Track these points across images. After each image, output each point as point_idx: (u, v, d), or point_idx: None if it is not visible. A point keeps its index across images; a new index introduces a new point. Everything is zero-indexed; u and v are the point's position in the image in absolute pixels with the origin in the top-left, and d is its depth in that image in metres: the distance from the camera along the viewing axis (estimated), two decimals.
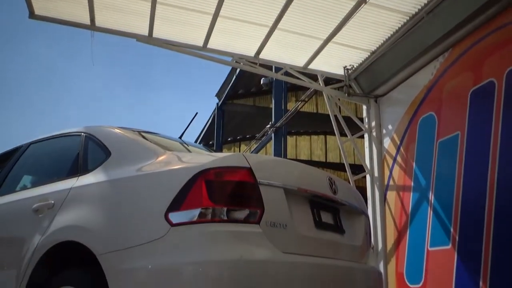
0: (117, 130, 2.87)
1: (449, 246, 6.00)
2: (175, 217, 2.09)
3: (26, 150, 3.40)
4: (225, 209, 2.08)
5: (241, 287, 1.95)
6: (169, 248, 2.06)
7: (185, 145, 3.09)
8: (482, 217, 5.51)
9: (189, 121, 3.31)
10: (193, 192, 2.11)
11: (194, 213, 2.07)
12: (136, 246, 2.13)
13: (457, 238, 5.90)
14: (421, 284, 6.44)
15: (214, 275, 1.96)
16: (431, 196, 6.48)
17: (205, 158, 2.33)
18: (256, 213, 2.15)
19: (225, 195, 2.12)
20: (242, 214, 2.12)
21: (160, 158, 2.45)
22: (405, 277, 6.85)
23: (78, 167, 2.81)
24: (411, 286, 6.67)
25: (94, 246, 2.26)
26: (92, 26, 5.54)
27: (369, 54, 7.13)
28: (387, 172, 7.57)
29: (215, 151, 3.41)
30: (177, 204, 2.12)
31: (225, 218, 2.08)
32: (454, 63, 6.29)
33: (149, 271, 2.07)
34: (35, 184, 3.23)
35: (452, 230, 6.00)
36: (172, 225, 2.08)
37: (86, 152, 2.86)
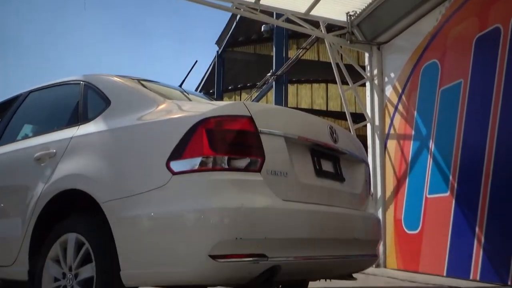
0: (116, 79, 2.84)
1: (447, 194, 6.09)
2: (176, 165, 2.11)
3: (25, 99, 3.38)
4: (226, 157, 2.09)
5: (242, 235, 1.98)
6: (171, 196, 2.08)
7: (185, 94, 3.06)
8: (481, 166, 5.55)
9: (189, 69, 3.25)
10: (194, 141, 2.11)
11: (195, 161, 2.08)
12: (138, 194, 2.16)
13: (455, 185, 5.97)
14: (418, 230, 6.58)
15: (215, 223, 1.99)
16: (432, 145, 6.51)
17: (205, 107, 2.31)
18: (257, 162, 2.15)
19: (226, 143, 2.12)
20: (243, 162, 2.12)
21: (161, 107, 2.43)
22: (403, 223, 7.00)
23: (78, 116, 2.80)
24: (408, 232, 6.83)
25: (97, 194, 2.29)
26: None
27: None
28: (388, 121, 7.57)
29: (216, 99, 3.38)
30: (178, 152, 2.12)
31: (226, 166, 2.09)
32: (460, 8, 6.14)
33: (152, 218, 2.10)
34: (35, 133, 3.23)
35: (451, 178, 6.06)
36: (174, 173, 2.10)
37: (85, 101, 2.83)
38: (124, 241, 2.14)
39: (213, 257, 1.94)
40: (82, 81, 2.95)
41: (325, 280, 2.84)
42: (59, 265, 2.40)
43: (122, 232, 2.15)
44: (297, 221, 2.21)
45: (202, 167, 2.07)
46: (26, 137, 3.23)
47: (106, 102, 2.67)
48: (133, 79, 2.87)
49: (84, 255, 2.29)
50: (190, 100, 2.92)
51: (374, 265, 6.12)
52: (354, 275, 2.86)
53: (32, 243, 2.57)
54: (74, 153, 2.56)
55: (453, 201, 5.97)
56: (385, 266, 7.21)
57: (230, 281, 2.10)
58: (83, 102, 2.84)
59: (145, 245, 2.09)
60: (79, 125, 2.71)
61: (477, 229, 5.54)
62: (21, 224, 2.65)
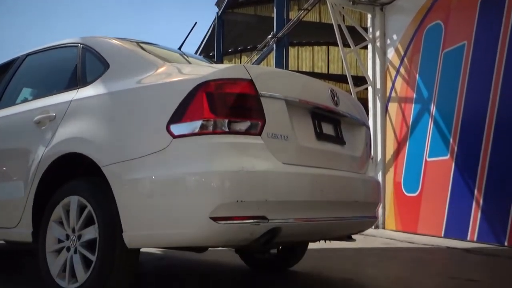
0: (114, 41, 2.80)
1: (447, 157, 6.12)
2: (176, 129, 2.10)
3: (23, 62, 3.34)
4: (226, 121, 2.08)
5: (242, 197, 2.00)
6: (172, 159, 2.09)
7: (185, 57, 3.03)
8: (482, 129, 5.56)
9: (188, 32, 3.20)
10: (194, 104, 2.10)
11: (196, 125, 2.07)
12: (139, 157, 2.17)
13: (455, 149, 5.99)
14: (417, 193, 6.65)
15: (216, 186, 2.00)
16: (433, 108, 6.49)
17: (205, 70, 2.29)
18: (258, 125, 2.15)
19: (226, 107, 2.11)
20: (243, 125, 2.12)
21: (160, 70, 2.40)
22: (402, 186, 7.06)
23: (77, 80, 2.77)
24: (407, 194, 6.90)
25: (97, 157, 2.30)
26: None
27: None
28: (389, 84, 7.52)
29: (216, 62, 3.34)
30: (178, 116, 2.12)
31: (227, 130, 2.08)
32: None
33: (153, 182, 2.12)
34: (34, 96, 3.21)
35: (451, 141, 6.08)
36: (174, 137, 2.09)
37: (84, 64, 2.80)
38: (126, 203, 2.16)
39: (214, 219, 1.96)
40: (80, 44, 2.90)
41: (325, 241, 2.89)
42: (62, 227, 2.43)
43: (124, 195, 2.17)
44: (298, 184, 2.23)
45: (203, 131, 2.06)
46: (25, 100, 3.22)
47: (105, 65, 2.64)
48: (131, 42, 2.83)
49: (86, 217, 2.32)
50: (189, 63, 2.89)
51: (373, 227, 6.21)
52: (353, 236, 2.91)
53: (35, 206, 2.60)
54: (74, 117, 2.55)
55: (453, 164, 6.01)
56: (383, 228, 7.32)
57: (231, 242, 2.13)
58: (82, 65, 2.81)
59: (146, 208, 2.11)
60: (78, 88, 2.69)
61: (475, 191, 5.60)
62: (23, 186, 2.67)
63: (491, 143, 5.44)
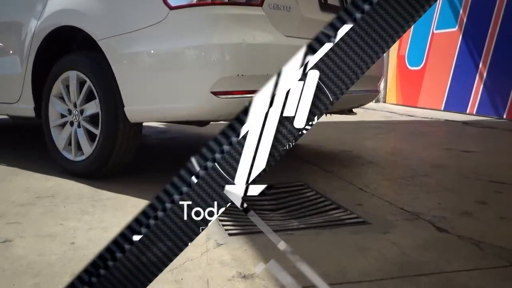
0: None
1: (456, 29, 5.93)
2: None
3: None
4: None
5: (243, 71, 1.97)
6: (170, 32, 2.02)
7: None
8: (494, 1, 5.31)
9: None
10: None
11: None
12: (136, 30, 2.09)
13: (465, 20, 5.79)
14: (421, 66, 6.58)
15: (216, 59, 1.96)
16: None
17: None
18: None
19: None
20: None
21: None
22: (406, 60, 6.96)
23: None
24: (411, 68, 6.83)
25: (92, 31, 2.22)
26: None
27: None
28: None
29: None
30: None
31: (226, 0, 1.98)
32: None
33: (151, 56, 2.07)
34: None
35: (461, 12, 5.85)
36: (171, 8, 2.00)
37: None
38: (125, 78, 2.13)
39: (215, 93, 1.95)
40: None
41: (326, 115, 2.92)
42: (63, 102, 2.44)
43: (122, 69, 2.13)
44: None
45: (201, 1, 1.96)
46: None
47: None
48: None
49: (87, 92, 2.31)
50: None
51: (374, 100, 6.26)
52: (354, 110, 2.93)
53: (34, 81, 2.58)
54: None
55: (460, 37, 5.86)
56: (384, 102, 7.38)
57: (231, 116, 2.13)
58: None
59: (146, 82, 2.09)
60: None
61: (480, 65, 5.53)
62: (19, 62, 2.62)
63: (502, 16, 5.23)
